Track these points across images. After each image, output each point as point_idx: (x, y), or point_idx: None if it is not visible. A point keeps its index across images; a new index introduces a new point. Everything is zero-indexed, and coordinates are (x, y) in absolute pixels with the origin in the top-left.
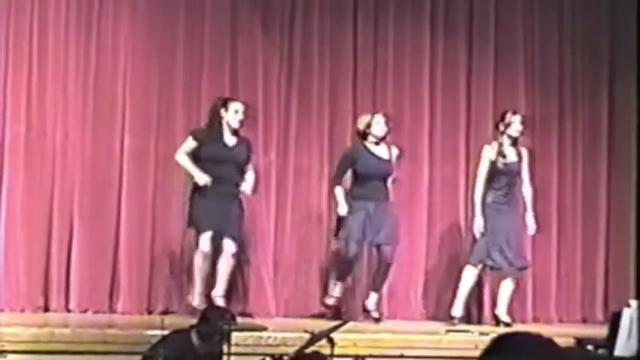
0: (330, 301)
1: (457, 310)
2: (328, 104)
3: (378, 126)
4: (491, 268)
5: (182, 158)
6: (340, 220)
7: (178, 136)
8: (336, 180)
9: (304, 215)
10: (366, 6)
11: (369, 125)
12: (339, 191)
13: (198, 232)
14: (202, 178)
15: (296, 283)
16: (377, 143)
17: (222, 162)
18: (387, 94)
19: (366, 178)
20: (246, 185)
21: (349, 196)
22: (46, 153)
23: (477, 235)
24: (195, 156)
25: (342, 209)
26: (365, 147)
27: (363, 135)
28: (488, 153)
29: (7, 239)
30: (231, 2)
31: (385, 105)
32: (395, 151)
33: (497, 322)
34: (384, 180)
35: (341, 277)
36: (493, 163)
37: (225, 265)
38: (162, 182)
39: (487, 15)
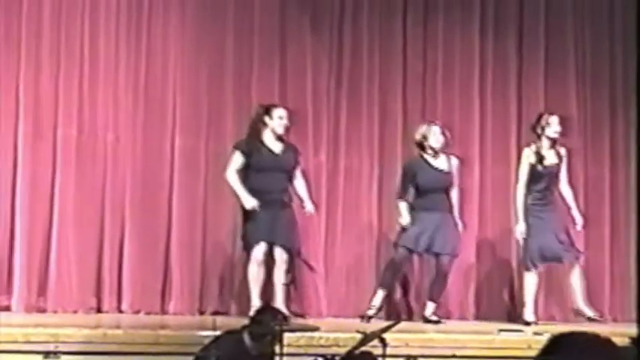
0: (370, 312)
1: (529, 315)
2: (378, 105)
3: (434, 137)
4: (552, 260)
5: (232, 178)
6: (403, 229)
7: (229, 137)
8: (399, 195)
9: (355, 216)
10: (416, 7)
11: (425, 136)
12: (402, 205)
13: (250, 246)
14: (249, 202)
15: (347, 284)
16: (435, 155)
17: (270, 170)
18: (436, 96)
19: (426, 191)
20: (308, 205)
21: (413, 208)
22: (98, 155)
23: (520, 240)
24: (244, 167)
25: (405, 219)
26: (424, 159)
27: (421, 146)
28: (528, 156)
29: (59, 241)
30: (280, 3)
31: (435, 106)
32: (455, 161)
33: (581, 316)
34: (445, 191)
35: (383, 284)
36: (533, 166)
37: (280, 276)
38: (212, 183)
39: (537, 16)
